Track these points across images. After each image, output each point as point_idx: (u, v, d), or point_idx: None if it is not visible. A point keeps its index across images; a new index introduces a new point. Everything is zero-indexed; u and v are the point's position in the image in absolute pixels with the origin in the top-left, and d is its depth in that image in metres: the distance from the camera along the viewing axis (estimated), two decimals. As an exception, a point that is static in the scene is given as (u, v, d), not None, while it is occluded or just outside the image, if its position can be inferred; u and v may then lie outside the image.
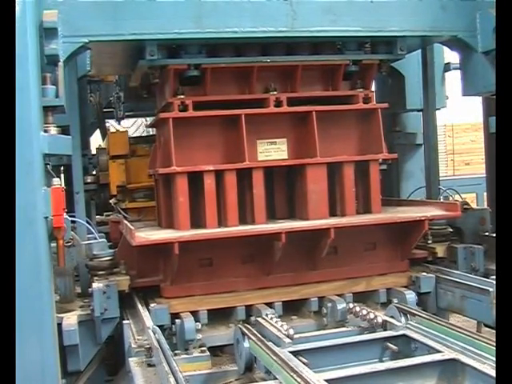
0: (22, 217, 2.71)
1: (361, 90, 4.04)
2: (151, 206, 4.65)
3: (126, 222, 4.04)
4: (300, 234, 3.63)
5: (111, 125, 8.16)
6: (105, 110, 6.95)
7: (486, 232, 4.31)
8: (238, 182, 3.78)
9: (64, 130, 3.39)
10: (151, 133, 7.94)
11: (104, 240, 4.06)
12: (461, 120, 15.39)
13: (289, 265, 3.82)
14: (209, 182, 3.72)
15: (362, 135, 4.08)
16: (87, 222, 4.33)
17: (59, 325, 3.21)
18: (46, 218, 2.84)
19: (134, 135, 8.28)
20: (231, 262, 3.80)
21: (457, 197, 5.22)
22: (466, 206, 4.37)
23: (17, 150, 2.66)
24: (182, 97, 3.71)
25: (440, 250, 4.24)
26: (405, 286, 3.96)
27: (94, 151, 5.41)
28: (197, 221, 3.78)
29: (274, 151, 3.91)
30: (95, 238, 4.06)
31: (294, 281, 3.87)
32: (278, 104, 3.85)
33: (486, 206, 4.95)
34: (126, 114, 6.71)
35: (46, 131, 2.97)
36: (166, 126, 3.76)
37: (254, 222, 3.81)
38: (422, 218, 3.84)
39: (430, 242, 4.28)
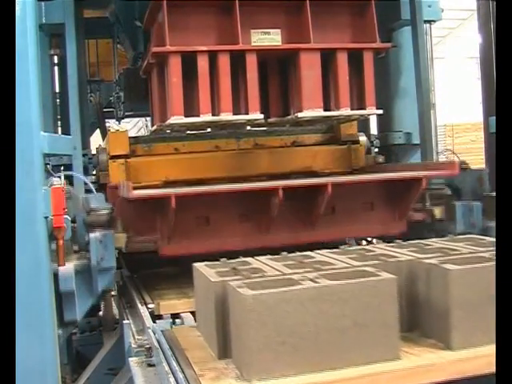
0: (22, 217, 2.71)
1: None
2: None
3: (124, 181, 3.99)
4: (298, 191, 3.66)
5: (111, 125, 8.16)
6: (105, 109, 6.96)
7: (484, 192, 4.29)
8: (232, 67, 3.76)
9: (64, 130, 3.39)
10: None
11: (102, 194, 3.95)
12: (461, 120, 15.41)
13: (287, 224, 3.87)
14: (202, 64, 3.68)
15: (356, 26, 4.06)
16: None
17: (55, 275, 3.14)
18: (46, 217, 2.84)
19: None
20: (228, 220, 3.84)
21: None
22: (463, 166, 4.37)
23: (17, 150, 2.66)
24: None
25: (438, 212, 4.25)
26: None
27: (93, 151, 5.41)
28: (190, 108, 3.75)
29: (267, 41, 3.90)
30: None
31: (292, 240, 3.91)
32: None
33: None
34: (126, 113, 6.71)
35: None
36: (160, 10, 3.74)
37: (248, 112, 3.79)
38: (421, 176, 3.87)
39: (428, 204, 4.28)
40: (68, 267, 3.29)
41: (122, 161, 4.67)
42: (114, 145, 4.71)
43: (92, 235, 3.50)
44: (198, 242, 3.78)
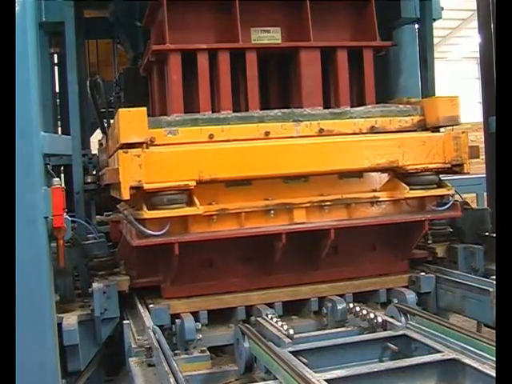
0: (22, 217, 2.70)
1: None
2: (179, 215, 3.39)
3: (126, 221, 3.97)
4: (300, 235, 3.62)
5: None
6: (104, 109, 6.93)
7: (486, 232, 4.31)
8: (232, 65, 3.77)
9: (64, 130, 3.39)
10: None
11: (104, 240, 4.05)
12: (461, 120, 15.42)
13: (289, 265, 3.81)
14: (202, 62, 3.70)
15: (356, 25, 4.09)
16: (87, 222, 4.33)
17: (59, 325, 3.22)
18: (46, 217, 2.83)
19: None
20: (231, 262, 3.79)
21: (457, 197, 5.21)
22: (465, 206, 4.38)
23: (17, 150, 2.66)
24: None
25: (440, 250, 4.25)
26: (405, 286, 3.97)
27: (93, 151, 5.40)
28: (190, 105, 3.76)
29: (267, 39, 3.93)
30: (95, 238, 4.06)
31: (295, 281, 3.87)
32: None
33: (486, 206, 4.94)
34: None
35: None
36: (160, 9, 3.76)
37: (248, 110, 3.79)
38: (422, 219, 3.84)
39: (430, 242, 4.28)
40: (71, 320, 3.37)
41: (137, 151, 3.30)
42: (126, 129, 3.30)
43: (95, 286, 3.52)
44: (201, 283, 3.73)
